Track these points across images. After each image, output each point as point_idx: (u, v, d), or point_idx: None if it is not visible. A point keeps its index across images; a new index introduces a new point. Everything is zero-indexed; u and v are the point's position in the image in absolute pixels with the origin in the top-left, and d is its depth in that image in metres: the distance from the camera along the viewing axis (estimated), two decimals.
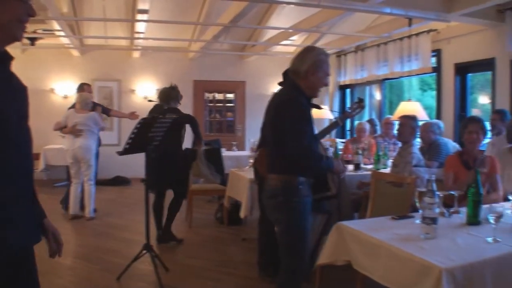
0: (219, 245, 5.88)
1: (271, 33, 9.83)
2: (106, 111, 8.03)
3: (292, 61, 3.32)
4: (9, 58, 1.80)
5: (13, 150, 1.72)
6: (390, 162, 5.99)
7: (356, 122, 8.88)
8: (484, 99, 8.61)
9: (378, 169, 5.89)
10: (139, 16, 7.67)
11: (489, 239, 2.74)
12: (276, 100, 3.33)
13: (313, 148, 3.19)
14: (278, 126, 3.20)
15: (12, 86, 1.80)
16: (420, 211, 2.90)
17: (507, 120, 5.86)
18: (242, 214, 5.65)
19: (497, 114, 6.07)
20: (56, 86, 10.84)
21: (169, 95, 5.99)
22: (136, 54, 11.08)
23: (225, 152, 8.24)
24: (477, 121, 4.25)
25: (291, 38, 9.66)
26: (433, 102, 9.02)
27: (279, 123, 3.18)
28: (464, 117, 7.93)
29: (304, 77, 3.22)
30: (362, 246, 2.94)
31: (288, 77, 3.36)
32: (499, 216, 2.74)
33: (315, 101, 3.47)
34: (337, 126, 4.61)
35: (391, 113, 9.02)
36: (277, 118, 3.23)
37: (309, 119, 3.19)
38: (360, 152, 6.41)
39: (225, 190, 6.48)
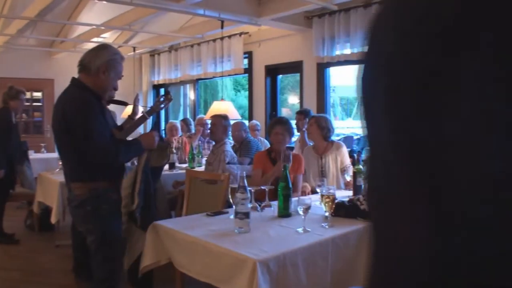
0: (31, 254, 5.45)
1: (81, 30, 9.39)
2: None
3: (83, 56, 3.15)
4: None
5: None
6: (204, 160, 6.06)
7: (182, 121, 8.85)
8: (294, 99, 9.13)
9: (193, 168, 5.93)
10: None
11: (300, 230, 2.88)
12: (62, 101, 3.10)
13: (110, 143, 3.05)
14: (68, 129, 2.97)
15: None
16: (234, 206, 2.95)
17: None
18: (53, 219, 5.30)
19: (301, 114, 6.46)
20: None
21: (7, 94, 5.88)
22: None
23: (33, 155, 7.74)
24: (283, 123, 4.46)
25: (102, 36, 9.36)
26: (246, 102, 9.34)
27: (69, 125, 2.96)
28: (275, 116, 8.37)
29: (95, 74, 3.08)
30: (179, 244, 2.92)
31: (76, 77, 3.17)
32: (307, 208, 2.90)
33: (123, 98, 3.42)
34: (145, 120, 4.49)
35: (206, 112, 9.18)
36: (65, 121, 2.98)
37: (99, 116, 3.01)
38: (174, 151, 6.40)
39: (35, 195, 6.03)
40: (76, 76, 3.14)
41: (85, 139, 2.92)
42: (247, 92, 9.54)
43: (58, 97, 3.15)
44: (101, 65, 3.07)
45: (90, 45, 10.35)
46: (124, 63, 3.30)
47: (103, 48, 3.19)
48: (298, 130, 6.43)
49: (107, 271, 3.14)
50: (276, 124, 4.45)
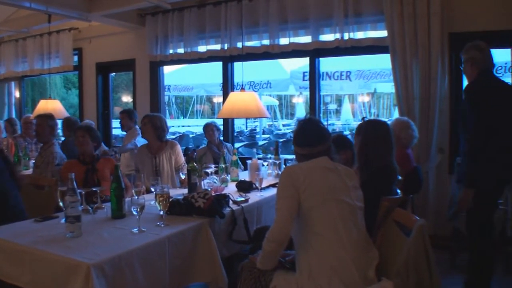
0: None
1: None
2: None
3: None
4: None
5: None
6: (32, 163, 5.76)
7: None
8: (128, 98, 9.00)
9: (20, 171, 5.60)
10: None
11: (135, 230, 2.87)
12: None
13: None
14: None
15: None
16: (64, 210, 2.84)
17: (135, 117, 6.41)
18: None
19: (124, 114, 6.52)
20: None
21: None
22: None
23: None
24: (83, 128, 4.55)
25: None
26: (78, 100, 9.02)
27: None
28: (108, 114, 8.24)
29: None
30: (5, 253, 2.73)
31: None
32: (142, 208, 2.87)
33: None
34: None
35: None
36: None
37: None
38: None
39: None
40: None
41: None
42: (78, 90, 9.22)
43: None
44: None
45: None
46: None
47: None
48: (123, 129, 6.51)
49: None
50: (78, 129, 4.54)
